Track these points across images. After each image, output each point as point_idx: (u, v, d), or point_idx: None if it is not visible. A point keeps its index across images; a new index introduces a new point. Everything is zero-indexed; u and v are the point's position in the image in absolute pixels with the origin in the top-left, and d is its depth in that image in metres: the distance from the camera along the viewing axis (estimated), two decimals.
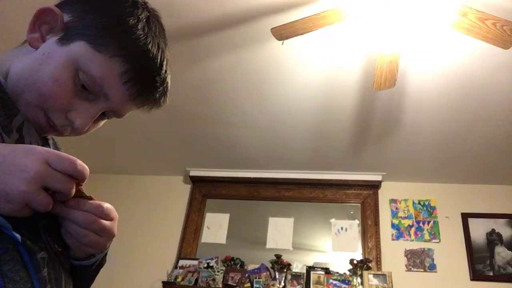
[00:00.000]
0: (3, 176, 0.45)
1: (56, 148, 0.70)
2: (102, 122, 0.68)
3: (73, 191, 0.52)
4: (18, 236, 0.49)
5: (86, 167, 0.52)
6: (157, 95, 0.67)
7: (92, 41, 0.60)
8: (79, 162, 0.51)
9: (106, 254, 0.66)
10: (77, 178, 0.51)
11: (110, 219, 0.59)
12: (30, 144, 0.58)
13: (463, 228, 3.14)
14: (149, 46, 0.63)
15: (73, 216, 0.55)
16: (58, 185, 0.49)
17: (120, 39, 0.61)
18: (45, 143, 0.65)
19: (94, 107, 0.63)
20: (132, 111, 0.68)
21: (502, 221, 3.13)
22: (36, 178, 0.46)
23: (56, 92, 0.59)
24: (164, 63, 0.66)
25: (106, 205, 0.58)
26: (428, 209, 3.26)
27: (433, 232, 3.16)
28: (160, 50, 0.65)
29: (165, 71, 0.67)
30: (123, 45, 0.61)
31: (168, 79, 0.68)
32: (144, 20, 0.64)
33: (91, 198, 0.57)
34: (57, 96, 0.59)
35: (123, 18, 0.62)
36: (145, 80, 0.64)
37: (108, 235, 0.59)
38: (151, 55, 0.63)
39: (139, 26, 0.63)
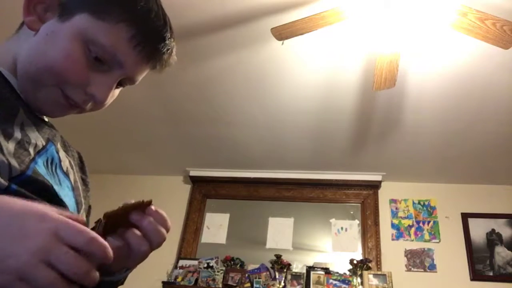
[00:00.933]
0: (1, 237, 0.37)
1: (65, 146, 0.69)
2: (117, 91, 0.68)
3: (89, 271, 0.39)
4: None
5: (107, 247, 0.41)
6: (168, 52, 0.66)
7: (94, 11, 0.59)
8: (98, 241, 0.40)
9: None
10: (94, 256, 0.40)
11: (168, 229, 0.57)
12: (35, 144, 0.57)
13: (463, 228, 3.14)
14: (150, 5, 0.63)
15: (146, 228, 0.53)
16: (64, 265, 0.38)
17: (121, 4, 0.61)
18: (50, 135, 0.63)
19: (110, 77, 0.63)
20: (145, 73, 0.68)
21: (502, 221, 3.13)
22: (37, 251, 0.37)
23: (71, 68, 0.59)
24: (167, 19, 0.66)
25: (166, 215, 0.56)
26: (428, 209, 3.26)
27: (433, 232, 3.16)
28: (160, 7, 0.65)
29: (170, 28, 0.66)
30: (125, 9, 0.61)
31: (173, 36, 0.68)
32: None
33: (150, 203, 0.54)
34: (72, 72, 0.59)
35: None
36: (153, 41, 0.64)
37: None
38: (154, 13, 0.63)
39: None
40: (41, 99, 0.60)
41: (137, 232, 0.54)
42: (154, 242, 0.55)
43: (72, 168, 0.67)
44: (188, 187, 3.69)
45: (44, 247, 0.37)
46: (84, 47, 0.59)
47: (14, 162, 0.50)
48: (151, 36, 0.63)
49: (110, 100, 0.66)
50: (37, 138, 0.58)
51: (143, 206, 0.53)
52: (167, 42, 0.65)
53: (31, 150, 0.55)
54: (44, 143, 0.60)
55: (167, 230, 0.56)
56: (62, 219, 0.39)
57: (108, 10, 0.60)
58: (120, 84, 0.66)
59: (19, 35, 0.64)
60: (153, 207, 0.55)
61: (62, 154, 0.65)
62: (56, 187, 0.56)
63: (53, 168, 0.59)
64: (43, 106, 0.62)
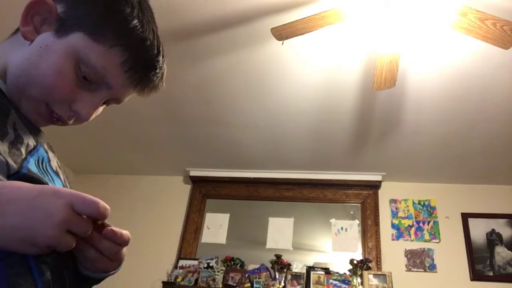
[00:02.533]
0: (30, 221, 0.45)
1: (50, 147, 0.70)
2: (101, 108, 0.68)
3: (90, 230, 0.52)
4: None
5: (108, 207, 0.52)
6: (157, 79, 0.68)
7: (90, 32, 0.60)
8: (102, 204, 0.51)
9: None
10: (99, 219, 0.52)
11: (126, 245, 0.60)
12: (27, 143, 0.58)
13: (463, 228, 3.14)
14: (146, 34, 0.63)
15: (98, 244, 0.56)
16: (80, 229, 0.49)
17: (118, 28, 0.61)
18: (38, 136, 0.65)
19: (96, 96, 0.64)
20: (130, 96, 0.69)
21: (502, 221, 3.13)
22: (61, 224, 0.46)
23: (60, 84, 0.59)
24: (160, 48, 0.67)
25: (127, 233, 0.59)
26: (428, 209, 3.26)
27: (433, 232, 3.16)
28: (155, 35, 0.66)
29: (162, 56, 0.68)
30: (121, 34, 0.61)
31: (165, 64, 0.69)
32: (138, 7, 0.64)
33: (108, 225, 0.57)
34: (60, 88, 0.60)
35: (118, 6, 0.62)
36: (145, 67, 0.65)
37: (120, 262, 0.61)
38: (149, 42, 0.64)
39: (134, 14, 0.62)
40: (25, 109, 0.61)
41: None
42: (111, 256, 0.58)
43: (60, 167, 0.68)
44: (188, 187, 3.69)
45: (65, 220, 0.46)
46: (75, 66, 0.60)
47: (10, 161, 0.52)
48: (143, 63, 0.64)
49: (93, 116, 0.67)
50: (28, 138, 0.59)
51: (98, 229, 0.55)
52: (157, 70, 0.67)
53: (23, 150, 0.56)
54: (35, 143, 0.61)
55: (125, 244, 0.58)
56: (73, 193, 0.48)
57: (104, 33, 0.60)
58: (105, 102, 0.67)
59: (13, 41, 0.64)
60: (109, 228, 0.56)
61: (50, 154, 0.66)
62: (50, 185, 0.58)
63: (44, 167, 0.61)
64: (28, 115, 0.63)
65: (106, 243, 0.56)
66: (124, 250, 0.60)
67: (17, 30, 0.65)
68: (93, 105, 0.64)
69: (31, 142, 0.60)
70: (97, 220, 0.53)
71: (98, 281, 0.65)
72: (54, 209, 0.46)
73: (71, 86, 0.60)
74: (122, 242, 0.57)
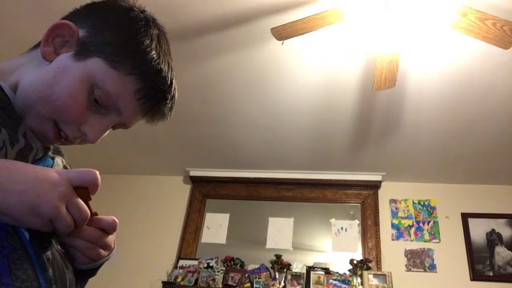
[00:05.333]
0: (37, 189, 0.47)
1: (58, 152, 0.71)
2: (108, 132, 0.70)
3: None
4: (26, 233, 0.50)
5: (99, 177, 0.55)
6: (166, 110, 0.70)
7: (109, 59, 0.62)
8: (95, 172, 0.54)
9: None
10: (95, 185, 0.54)
11: (113, 232, 0.62)
12: (37, 151, 0.60)
13: (463, 228, 3.14)
14: (162, 66, 0.66)
15: (84, 234, 0.57)
16: (77, 208, 0.51)
17: (136, 58, 0.63)
18: (47, 150, 0.66)
19: (106, 120, 0.65)
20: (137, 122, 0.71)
21: (502, 221, 3.13)
22: (63, 196, 0.49)
23: (71, 106, 0.61)
24: (174, 80, 0.70)
25: (115, 219, 0.61)
26: (428, 209, 3.26)
27: (433, 232, 3.16)
28: (170, 68, 0.69)
29: (174, 88, 0.70)
30: (139, 64, 0.63)
31: (176, 95, 0.71)
32: (156, 39, 0.66)
33: (96, 214, 0.58)
34: (72, 110, 0.61)
35: (138, 37, 0.64)
36: (157, 97, 0.66)
37: (110, 248, 0.63)
38: (164, 74, 0.66)
39: (153, 46, 0.65)
40: (31, 125, 0.62)
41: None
42: (98, 243, 0.60)
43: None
44: (188, 187, 3.69)
45: (67, 192, 0.50)
46: (89, 89, 0.61)
47: None
48: (155, 93, 0.66)
49: (100, 139, 0.68)
50: (38, 147, 0.61)
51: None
52: (168, 102, 0.69)
53: (30, 158, 0.58)
54: (43, 152, 0.63)
55: (112, 230, 0.61)
56: (69, 170, 0.52)
57: (123, 61, 0.62)
58: (112, 126, 0.69)
59: (30, 57, 0.65)
60: (96, 216, 0.59)
61: (57, 160, 0.68)
62: None
63: None
64: (33, 131, 0.63)
65: (93, 231, 0.58)
66: (113, 237, 0.62)
67: (36, 46, 0.66)
68: (101, 129, 0.65)
69: (40, 151, 0.61)
70: (93, 191, 0.55)
71: (92, 272, 0.66)
72: (57, 181, 0.49)
73: (82, 108, 0.62)
74: (109, 228, 0.59)
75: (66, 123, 0.62)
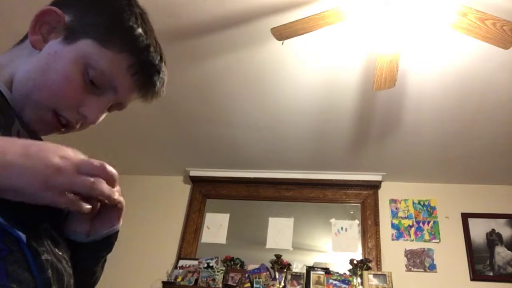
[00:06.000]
0: (51, 159, 0.46)
1: None
2: (104, 115, 0.71)
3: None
4: (23, 236, 0.50)
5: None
6: (160, 84, 0.72)
7: (99, 39, 0.63)
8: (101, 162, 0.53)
9: (115, 236, 0.67)
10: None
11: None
12: None
13: (463, 228, 3.14)
14: (150, 41, 0.68)
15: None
16: (86, 176, 0.49)
17: (125, 35, 0.65)
18: None
19: (103, 100, 0.66)
20: (132, 100, 0.72)
21: (502, 221, 3.13)
22: (75, 166, 0.48)
23: (68, 89, 0.62)
24: (163, 55, 0.72)
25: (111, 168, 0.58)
26: (428, 209, 3.26)
27: (433, 232, 3.16)
28: (157, 43, 0.71)
29: (164, 63, 0.72)
30: (128, 41, 0.65)
31: (166, 71, 0.73)
32: (140, 17, 0.68)
33: None
34: (68, 93, 0.62)
35: (124, 15, 0.66)
36: (149, 71, 0.68)
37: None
38: (153, 48, 0.68)
39: (138, 23, 0.67)
40: (29, 117, 0.62)
41: None
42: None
43: None
44: (188, 187, 3.69)
45: (78, 163, 0.49)
46: (83, 71, 0.62)
47: None
48: (148, 67, 0.68)
49: (100, 120, 0.69)
50: None
51: None
52: (161, 75, 0.71)
53: None
54: None
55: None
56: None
57: (112, 40, 0.64)
58: (108, 109, 0.69)
59: (21, 49, 0.66)
60: None
61: None
62: None
63: None
64: (31, 124, 0.64)
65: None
66: (118, 190, 0.57)
67: (24, 38, 0.67)
68: (100, 109, 0.66)
69: None
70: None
71: (105, 243, 0.65)
72: (69, 154, 0.49)
73: (78, 90, 0.63)
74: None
75: (65, 108, 0.63)
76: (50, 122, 0.63)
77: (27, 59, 0.63)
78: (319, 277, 2.94)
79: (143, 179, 3.79)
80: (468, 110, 2.50)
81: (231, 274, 3.03)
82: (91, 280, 0.70)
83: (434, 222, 3.20)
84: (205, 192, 3.61)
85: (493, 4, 1.78)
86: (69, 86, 0.61)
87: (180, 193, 3.66)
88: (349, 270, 2.98)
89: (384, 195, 3.36)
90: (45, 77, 0.61)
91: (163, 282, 3.09)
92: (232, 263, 3.11)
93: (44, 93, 0.61)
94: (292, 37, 1.80)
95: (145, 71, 0.67)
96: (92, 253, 0.66)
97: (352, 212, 3.35)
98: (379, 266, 3.04)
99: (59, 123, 0.64)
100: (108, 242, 0.66)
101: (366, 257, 3.05)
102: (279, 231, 3.32)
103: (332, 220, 3.31)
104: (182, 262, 3.22)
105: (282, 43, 1.90)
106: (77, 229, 0.62)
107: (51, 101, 0.62)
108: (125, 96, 0.68)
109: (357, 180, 3.36)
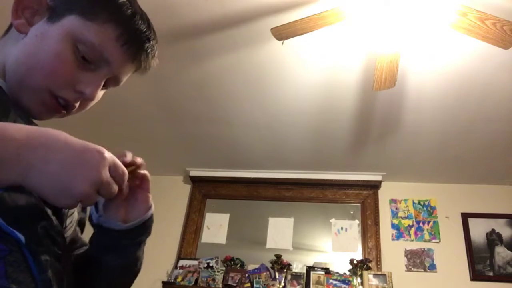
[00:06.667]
0: (70, 173, 0.45)
1: None
2: (101, 93, 0.70)
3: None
4: (22, 236, 0.50)
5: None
6: (151, 52, 0.71)
7: (82, 13, 0.63)
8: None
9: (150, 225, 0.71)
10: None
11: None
12: None
13: (463, 228, 3.14)
14: (135, 9, 0.67)
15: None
16: (106, 193, 0.49)
17: (108, 6, 0.65)
18: None
19: (98, 75, 0.66)
20: (129, 74, 0.72)
21: (502, 221, 3.13)
22: (96, 183, 0.47)
23: (60, 67, 0.61)
24: (150, 23, 0.71)
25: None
26: (428, 209, 3.26)
27: (433, 232, 3.16)
28: (143, 12, 0.70)
29: (153, 30, 0.71)
30: (113, 11, 0.64)
31: (156, 39, 0.72)
32: None
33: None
34: (62, 71, 0.61)
35: None
36: (139, 40, 0.68)
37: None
38: (139, 17, 0.67)
39: None
40: (28, 102, 0.62)
41: None
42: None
43: None
44: (188, 187, 3.69)
45: (102, 180, 0.47)
46: (73, 47, 0.62)
47: None
48: (137, 35, 0.67)
49: (96, 100, 0.69)
50: None
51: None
52: (151, 42, 0.70)
53: None
54: None
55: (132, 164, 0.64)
56: (113, 157, 0.51)
57: (96, 12, 0.63)
58: (104, 85, 0.69)
59: (7, 38, 0.66)
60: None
61: None
62: None
63: None
64: (31, 109, 0.64)
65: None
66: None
67: (9, 27, 0.67)
68: (95, 84, 0.65)
69: None
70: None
71: (144, 227, 0.69)
72: (96, 167, 0.47)
73: (71, 68, 0.62)
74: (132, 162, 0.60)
75: (60, 87, 0.62)
76: (49, 104, 0.63)
77: (15, 46, 0.63)
78: (319, 277, 2.94)
79: None
80: (468, 110, 2.50)
81: (231, 274, 3.03)
82: (136, 267, 0.74)
83: (434, 222, 3.20)
84: (205, 192, 3.61)
85: (493, 4, 1.78)
86: (61, 64, 0.61)
87: (180, 193, 3.66)
88: (349, 270, 2.98)
89: (384, 195, 3.36)
90: (36, 59, 0.60)
91: (163, 282, 3.09)
92: (232, 263, 3.11)
93: (38, 76, 0.61)
94: (292, 37, 1.80)
95: (134, 40, 0.67)
96: (132, 239, 0.69)
97: (352, 212, 3.35)
98: (379, 266, 3.04)
99: (58, 105, 0.64)
100: (145, 225, 0.69)
101: (366, 257, 3.05)
102: (279, 231, 3.32)
103: (332, 220, 3.31)
104: (182, 262, 3.22)
105: (282, 43, 1.90)
106: (113, 217, 0.64)
107: (46, 82, 0.61)
108: (118, 67, 0.67)
109: (357, 180, 3.36)
